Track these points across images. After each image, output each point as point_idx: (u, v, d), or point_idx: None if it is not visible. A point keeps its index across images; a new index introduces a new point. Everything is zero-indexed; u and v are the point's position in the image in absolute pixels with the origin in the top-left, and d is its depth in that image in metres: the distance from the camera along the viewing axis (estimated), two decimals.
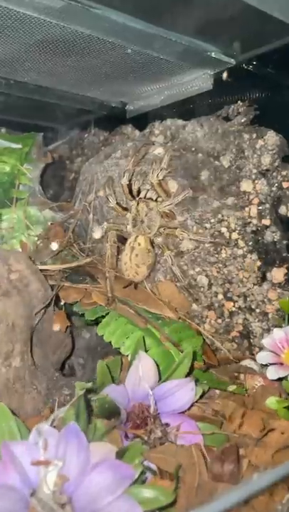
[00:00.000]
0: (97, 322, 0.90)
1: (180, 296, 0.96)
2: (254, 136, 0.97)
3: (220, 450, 0.65)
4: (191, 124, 1.07)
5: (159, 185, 0.92)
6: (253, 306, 0.96)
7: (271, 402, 0.75)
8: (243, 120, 1.00)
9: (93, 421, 0.64)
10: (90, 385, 0.63)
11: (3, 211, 1.10)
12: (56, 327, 0.90)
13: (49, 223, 1.10)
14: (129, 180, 0.94)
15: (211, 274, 0.96)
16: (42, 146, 1.22)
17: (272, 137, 0.97)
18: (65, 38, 0.88)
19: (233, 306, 0.97)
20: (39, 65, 1.05)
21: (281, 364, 0.77)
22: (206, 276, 0.96)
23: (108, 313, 0.89)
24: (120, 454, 0.59)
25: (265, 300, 0.95)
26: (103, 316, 0.88)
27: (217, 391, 0.82)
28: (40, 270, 0.93)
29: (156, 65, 1.04)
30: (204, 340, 0.93)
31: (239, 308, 0.97)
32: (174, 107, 1.14)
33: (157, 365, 0.72)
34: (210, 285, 0.97)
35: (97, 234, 1.03)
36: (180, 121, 1.09)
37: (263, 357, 0.78)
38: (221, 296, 0.97)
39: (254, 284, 0.96)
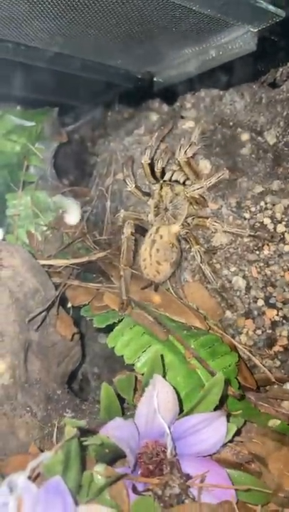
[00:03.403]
0: (111, 329, 0.74)
1: (211, 301, 0.79)
2: None
3: None
4: (230, 94, 0.89)
5: (187, 165, 0.75)
6: None
7: None
8: None
9: (89, 469, 0.48)
10: (83, 423, 0.47)
11: (10, 196, 0.95)
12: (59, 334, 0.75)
13: (60, 211, 0.95)
14: (152, 159, 0.78)
15: (250, 275, 0.79)
16: (56, 122, 1.07)
17: None
18: None
19: (277, 315, 0.79)
20: (51, 23, 0.89)
21: None
22: (244, 277, 0.79)
23: (122, 319, 0.73)
24: None
25: None
26: (116, 324, 0.73)
27: (255, 424, 0.64)
28: (43, 266, 0.78)
29: (189, 22, 0.87)
30: (240, 357, 0.76)
31: (284, 317, 0.79)
32: (209, 76, 0.96)
33: (178, 394, 0.56)
34: (248, 288, 0.79)
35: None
36: (216, 91, 0.92)
37: None
38: (261, 303, 0.79)
39: None
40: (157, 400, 0.54)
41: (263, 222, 0.78)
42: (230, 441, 0.58)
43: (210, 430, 0.55)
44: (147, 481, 0.51)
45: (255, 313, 0.80)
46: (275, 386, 0.76)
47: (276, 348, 0.80)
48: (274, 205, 0.77)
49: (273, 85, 0.84)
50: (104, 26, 0.94)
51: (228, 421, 0.55)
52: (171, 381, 0.66)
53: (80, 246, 0.92)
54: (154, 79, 1.14)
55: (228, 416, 0.57)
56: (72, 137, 1.30)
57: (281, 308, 0.79)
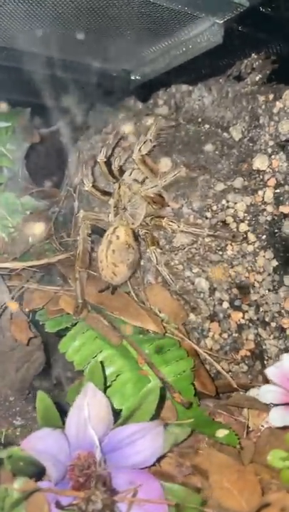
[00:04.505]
0: None
1: (174, 304, 0.76)
2: (271, 97, 0.74)
3: None
4: (198, 89, 0.86)
5: (142, 163, 0.72)
6: (267, 319, 0.74)
7: (274, 457, 0.53)
8: (257, 78, 0.77)
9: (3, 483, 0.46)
10: None
11: None
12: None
13: (28, 212, 0.93)
14: (108, 157, 0.75)
15: (213, 276, 0.75)
16: (29, 123, 1.05)
17: None
18: None
19: (242, 318, 0.76)
20: (22, 22, 0.88)
21: None
22: (207, 278, 0.76)
23: (75, 324, 0.70)
24: None
25: (283, 311, 0.73)
26: (69, 329, 0.70)
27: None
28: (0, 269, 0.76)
29: (159, 18, 0.85)
30: (201, 362, 0.73)
31: (250, 320, 0.76)
32: (180, 71, 0.94)
33: (111, 403, 0.53)
34: (212, 290, 0.76)
35: None
36: (185, 87, 0.88)
37: (265, 393, 0.57)
38: (226, 305, 0.76)
39: (269, 290, 0.74)
40: (88, 409, 0.51)
41: (225, 221, 0.74)
42: (171, 451, 0.55)
43: (146, 441, 0.52)
44: (71, 494, 0.48)
45: (221, 315, 0.77)
46: (240, 393, 0.73)
47: (243, 353, 0.77)
48: (236, 203, 0.74)
49: (239, 78, 0.81)
50: (74, 25, 0.93)
51: (166, 430, 0.52)
52: (121, 387, 0.63)
53: (48, 248, 0.90)
54: (132, 77, 1.12)
55: (166, 425, 0.54)
56: (53, 138, 1.28)
57: (247, 311, 0.76)
